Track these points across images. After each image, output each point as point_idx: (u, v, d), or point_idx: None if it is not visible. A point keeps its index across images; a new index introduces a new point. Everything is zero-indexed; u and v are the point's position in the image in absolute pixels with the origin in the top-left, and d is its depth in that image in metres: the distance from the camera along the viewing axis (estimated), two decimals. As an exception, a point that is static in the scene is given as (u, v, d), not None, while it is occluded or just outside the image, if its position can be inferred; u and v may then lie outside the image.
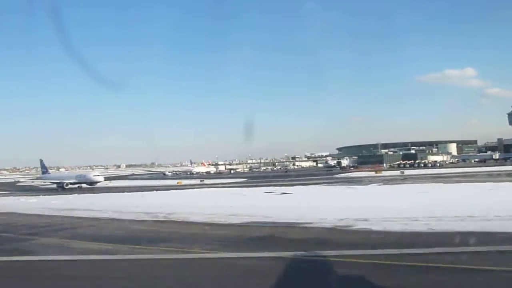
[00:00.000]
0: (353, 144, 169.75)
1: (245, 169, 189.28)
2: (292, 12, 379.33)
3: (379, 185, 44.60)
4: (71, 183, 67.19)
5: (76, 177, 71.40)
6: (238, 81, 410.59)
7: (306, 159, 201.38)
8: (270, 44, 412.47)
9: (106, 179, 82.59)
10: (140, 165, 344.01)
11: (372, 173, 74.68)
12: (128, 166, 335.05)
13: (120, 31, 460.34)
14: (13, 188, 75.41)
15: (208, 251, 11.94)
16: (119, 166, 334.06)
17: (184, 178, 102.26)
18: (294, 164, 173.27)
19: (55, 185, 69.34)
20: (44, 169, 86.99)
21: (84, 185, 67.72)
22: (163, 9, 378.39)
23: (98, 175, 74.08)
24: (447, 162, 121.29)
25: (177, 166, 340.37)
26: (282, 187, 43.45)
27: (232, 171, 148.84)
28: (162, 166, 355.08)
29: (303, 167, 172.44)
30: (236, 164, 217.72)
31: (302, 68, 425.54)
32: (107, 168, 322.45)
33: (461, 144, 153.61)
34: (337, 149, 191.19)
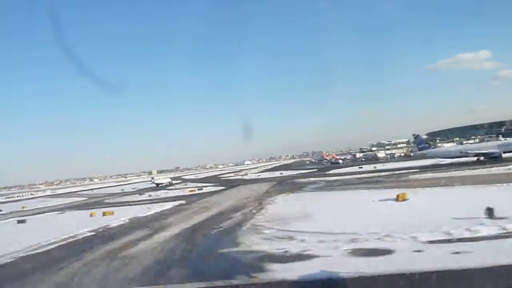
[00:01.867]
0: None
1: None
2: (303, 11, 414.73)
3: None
4: None
5: None
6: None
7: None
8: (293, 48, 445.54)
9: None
10: (170, 170, 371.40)
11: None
12: (160, 171, 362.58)
13: (141, 46, 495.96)
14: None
15: None
16: (150, 173, 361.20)
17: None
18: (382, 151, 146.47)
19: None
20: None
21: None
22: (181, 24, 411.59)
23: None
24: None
25: (197, 170, 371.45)
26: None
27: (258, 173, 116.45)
28: (187, 170, 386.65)
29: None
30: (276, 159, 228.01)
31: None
32: (139, 175, 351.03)
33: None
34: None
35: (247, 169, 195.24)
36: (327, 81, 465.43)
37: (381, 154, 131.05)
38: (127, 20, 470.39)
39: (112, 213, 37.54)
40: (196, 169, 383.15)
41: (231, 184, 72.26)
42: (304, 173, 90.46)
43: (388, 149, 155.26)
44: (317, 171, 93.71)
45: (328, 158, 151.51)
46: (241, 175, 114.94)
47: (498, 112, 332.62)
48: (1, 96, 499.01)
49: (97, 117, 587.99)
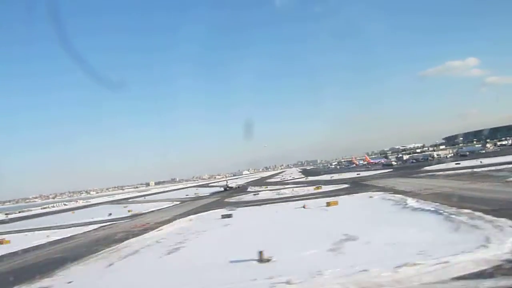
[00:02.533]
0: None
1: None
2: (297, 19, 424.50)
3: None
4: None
5: None
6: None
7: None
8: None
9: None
10: (167, 182, 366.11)
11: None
12: (157, 183, 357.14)
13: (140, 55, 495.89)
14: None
15: None
16: (148, 184, 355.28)
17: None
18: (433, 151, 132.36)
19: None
20: None
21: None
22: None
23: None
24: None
25: (193, 181, 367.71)
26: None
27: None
28: (184, 181, 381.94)
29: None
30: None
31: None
32: (136, 187, 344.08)
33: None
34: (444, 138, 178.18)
35: (264, 176, 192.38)
36: (320, 88, 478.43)
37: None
38: (129, 27, 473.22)
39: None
40: (194, 180, 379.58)
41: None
42: (377, 174, 74.06)
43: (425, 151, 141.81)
44: (393, 171, 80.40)
45: (358, 163, 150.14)
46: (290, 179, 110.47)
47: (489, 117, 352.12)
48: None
49: (89, 131, 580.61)
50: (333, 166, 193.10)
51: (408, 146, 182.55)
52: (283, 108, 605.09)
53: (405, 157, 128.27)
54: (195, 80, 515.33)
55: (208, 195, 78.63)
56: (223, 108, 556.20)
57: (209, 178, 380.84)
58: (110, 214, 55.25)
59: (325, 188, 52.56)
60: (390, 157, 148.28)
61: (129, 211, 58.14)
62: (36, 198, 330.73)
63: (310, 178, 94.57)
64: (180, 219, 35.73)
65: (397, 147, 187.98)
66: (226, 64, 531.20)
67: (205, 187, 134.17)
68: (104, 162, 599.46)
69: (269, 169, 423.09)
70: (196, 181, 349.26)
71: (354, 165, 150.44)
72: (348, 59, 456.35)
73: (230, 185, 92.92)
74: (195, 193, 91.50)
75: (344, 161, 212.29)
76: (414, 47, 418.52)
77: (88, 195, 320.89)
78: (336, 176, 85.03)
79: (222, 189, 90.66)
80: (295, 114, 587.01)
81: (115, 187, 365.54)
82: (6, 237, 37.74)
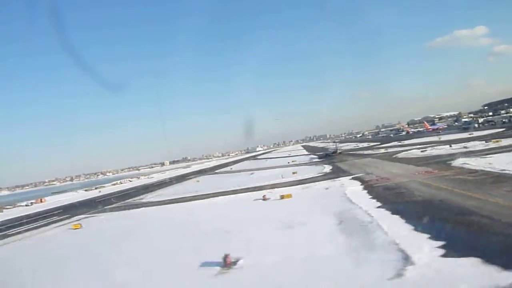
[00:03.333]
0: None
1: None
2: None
3: None
4: None
5: None
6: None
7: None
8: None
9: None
10: (181, 161, 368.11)
11: None
12: (172, 162, 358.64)
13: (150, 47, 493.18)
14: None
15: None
16: (162, 164, 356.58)
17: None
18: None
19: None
20: None
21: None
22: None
23: None
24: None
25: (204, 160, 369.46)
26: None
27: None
28: (198, 159, 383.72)
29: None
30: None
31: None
32: (152, 167, 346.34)
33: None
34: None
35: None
36: (326, 67, 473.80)
37: None
38: (129, 22, 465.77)
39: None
40: (207, 158, 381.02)
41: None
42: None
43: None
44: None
45: (410, 131, 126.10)
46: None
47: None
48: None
49: (103, 115, 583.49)
50: (370, 136, 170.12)
51: (443, 114, 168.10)
52: (293, 88, 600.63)
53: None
54: (199, 60, 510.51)
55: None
56: (231, 87, 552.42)
57: (222, 156, 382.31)
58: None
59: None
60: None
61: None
62: (53, 181, 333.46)
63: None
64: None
65: (431, 115, 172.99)
66: (233, 48, 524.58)
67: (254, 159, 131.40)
68: (117, 146, 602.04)
69: (281, 145, 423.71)
70: (210, 159, 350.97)
71: (406, 132, 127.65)
72: (355, 34, 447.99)
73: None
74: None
75: (382, 130, 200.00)
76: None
77: (105, 176, 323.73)
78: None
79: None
80: (303, 92, 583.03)
81: (129, 168, 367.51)
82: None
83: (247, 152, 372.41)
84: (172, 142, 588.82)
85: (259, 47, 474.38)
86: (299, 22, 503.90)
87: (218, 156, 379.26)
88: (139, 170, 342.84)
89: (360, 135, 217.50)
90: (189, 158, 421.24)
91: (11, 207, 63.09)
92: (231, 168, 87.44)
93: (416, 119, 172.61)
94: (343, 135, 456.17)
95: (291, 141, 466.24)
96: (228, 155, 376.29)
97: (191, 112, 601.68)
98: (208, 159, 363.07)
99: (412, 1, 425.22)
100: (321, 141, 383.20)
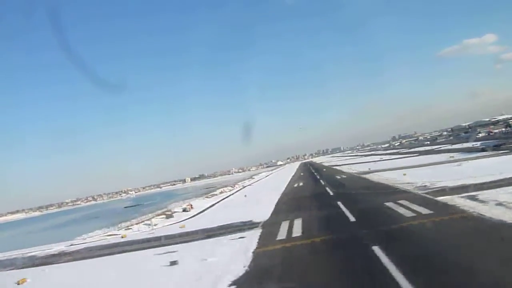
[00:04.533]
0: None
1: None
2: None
3: None
4: None
5: None
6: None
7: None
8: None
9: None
10: (199, 178, 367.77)
11: None
12: (193, 179, 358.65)
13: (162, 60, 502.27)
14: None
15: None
16: (184, 181, 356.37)
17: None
18: None
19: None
20: None
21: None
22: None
23: None
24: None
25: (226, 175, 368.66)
26: None
27: None
28: (212, 176, 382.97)
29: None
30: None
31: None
32: (174, 184, 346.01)
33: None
34: None
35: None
36: (329, 77, 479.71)
37: None
38: (134, 30, 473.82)
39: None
40: (222, 174, 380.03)
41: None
42: None
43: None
44: None
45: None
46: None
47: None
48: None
49: (117, 133, 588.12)
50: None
51: (500, 118, 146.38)
52: (304, 99, 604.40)
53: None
54: (205, 79, 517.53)
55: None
56: (238, 104, 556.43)
57: (243, 170, 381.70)
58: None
59: None
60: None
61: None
62: (75, 201, 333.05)
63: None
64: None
65: (486, 119, 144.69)
66: (240, 59, 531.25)
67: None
68: (120, 164, 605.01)
69: (300, 158, 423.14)
70: (230, 175, 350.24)
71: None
72: (365, 46, 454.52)
73: None
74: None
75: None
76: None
77: (128, 194, 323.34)
78: None
79: None
80: (315, 104, 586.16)
81: (151, 186, 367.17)
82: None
83: (268, 166, 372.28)
84: (187, 159, 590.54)
85: (268, 57, 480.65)
86: (308, 33, 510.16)
87: (238, 172, 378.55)
88: (160, 188, 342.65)
89: (398, 143, 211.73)
90: (206, 174, 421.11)
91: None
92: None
93: (463, 124, 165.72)
94: (359, 147, 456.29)
95: (305, 154, 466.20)
96: (249, 170, 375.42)
97: (203, 125, 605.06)
98: (229, 173, 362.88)
99: (421, 11, 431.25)
100: (331, 155, 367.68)
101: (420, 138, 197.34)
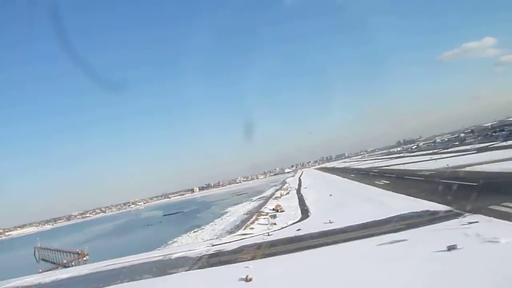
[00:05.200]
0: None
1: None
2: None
3: None
4: None
5: None
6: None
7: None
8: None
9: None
10: (205, 187, 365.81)
11: None
12: (201, 188, 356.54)
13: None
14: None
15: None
16: (192, 190, 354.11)
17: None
18: None
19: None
20: None
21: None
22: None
23: None
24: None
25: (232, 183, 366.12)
26: None
27: None
28: (220, 185, 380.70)
29: None
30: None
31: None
32: (183, 194, 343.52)
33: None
34: None
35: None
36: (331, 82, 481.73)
37: None
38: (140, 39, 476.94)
39: None
40: (230, 183, 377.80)
41: None
42: None
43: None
44: None
45: None
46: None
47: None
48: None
49: (118, 144, 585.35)
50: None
51: None
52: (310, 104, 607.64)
53: None
54: (206, 86, 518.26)
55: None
56: (240, 111, 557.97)
57: (250, 179, 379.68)
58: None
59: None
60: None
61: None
62: (83, 213, 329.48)
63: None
64: None
65: (510, 119, 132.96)
66: (241, 66, 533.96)
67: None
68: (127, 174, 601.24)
69: (305, 166, 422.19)
70: (237, 183, 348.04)
71: None
72: (367, 51, 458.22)
73: None
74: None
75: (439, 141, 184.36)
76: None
77: (137, 205, 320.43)
78: None
79: None
80: (317, 110, 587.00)
81: (159, 196, 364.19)
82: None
83: (275, 175, 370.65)
84: (190, 169, 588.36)
85: (266, 65, 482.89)
86: (311, 37, 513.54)
87: (247, 179, 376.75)
88: (169, 198, 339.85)
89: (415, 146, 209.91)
90: (212, 184, 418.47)
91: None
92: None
93: (486, 124, 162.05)
94: (363, 152, 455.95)
95: (309, 161, 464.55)
96: (257, 178, 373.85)
97: (205, 134, 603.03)
98: (237, 182, 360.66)
99: (421, 16, 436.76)
100: (341, 161, 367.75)
101: (438, 140, 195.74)
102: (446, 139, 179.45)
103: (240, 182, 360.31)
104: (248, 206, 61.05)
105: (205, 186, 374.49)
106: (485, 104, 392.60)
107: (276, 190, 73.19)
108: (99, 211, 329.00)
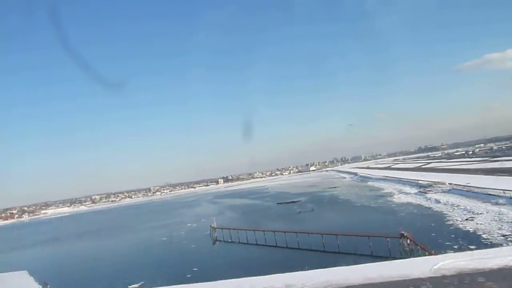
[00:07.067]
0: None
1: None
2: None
3: None
4: None
5: None
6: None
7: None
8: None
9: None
10: (230, 180, 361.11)
11: None
12: (226, 181, 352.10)
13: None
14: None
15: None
16: (217, 182, 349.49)
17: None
18: None
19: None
20: None
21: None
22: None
23: None
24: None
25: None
26: None
27: None
28: (239, 180, 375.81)
29: None
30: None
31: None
32: (207, 185, 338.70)
33: None
34: None
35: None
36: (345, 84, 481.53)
37: None
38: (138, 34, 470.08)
39: None
40: (248, 178, 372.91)
41: None
42: None
43: None
44: None
45: None
46: None
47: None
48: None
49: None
50: None
51: None
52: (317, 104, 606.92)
53: None
54: (211, 83, 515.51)
55: None
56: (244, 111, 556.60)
57: (272, 174, 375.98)
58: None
59: None
60: None
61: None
62: (108, 197, 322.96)
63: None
64: None
65: None
66: (247, 65, 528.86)
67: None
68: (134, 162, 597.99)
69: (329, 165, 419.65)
70: (264, 178, 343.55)
71: None
72: (387, 57, 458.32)
73: None
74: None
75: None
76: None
77: (162, 193, 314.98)
78: None
79: None
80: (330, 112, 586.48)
81: (180, 185, 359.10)
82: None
83: (299, 172, 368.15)
84: (205, 161, 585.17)
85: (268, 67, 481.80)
86: (327, 39, 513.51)
87: (266, 175, 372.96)
88: (194, 188, 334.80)
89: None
90: (230, 177, 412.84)
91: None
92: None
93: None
94: (379, 156, 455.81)
95: (325, 161, 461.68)
96: (282, 174, 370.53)
97: (215, 127, 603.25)
98: (253, 178, 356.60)
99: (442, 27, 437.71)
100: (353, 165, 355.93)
101: (495, 147, 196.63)
102: (503, 147, 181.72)
103: (264, 178, 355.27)
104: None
105: (230, 178, 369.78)
106: (496, 117, 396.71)
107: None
108: (123, 196, 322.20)
